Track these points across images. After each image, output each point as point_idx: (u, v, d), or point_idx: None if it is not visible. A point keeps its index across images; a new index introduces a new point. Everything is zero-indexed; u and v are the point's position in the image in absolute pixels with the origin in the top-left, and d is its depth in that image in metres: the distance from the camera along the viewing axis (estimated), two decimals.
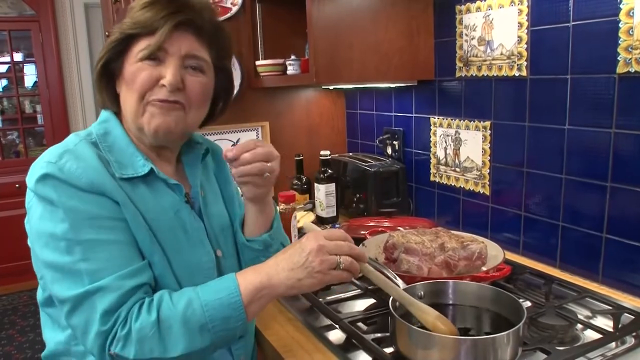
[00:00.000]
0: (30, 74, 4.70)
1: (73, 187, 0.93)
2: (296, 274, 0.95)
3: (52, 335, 1.07)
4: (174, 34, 1.01)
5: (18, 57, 4.64)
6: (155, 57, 1.01)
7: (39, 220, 0.94)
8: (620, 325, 1.20)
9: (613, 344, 1.14)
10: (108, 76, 1.07)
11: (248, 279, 0.96)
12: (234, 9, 2.24)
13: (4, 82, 4.68)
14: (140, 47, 1.01)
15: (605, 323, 1.24)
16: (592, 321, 1.25)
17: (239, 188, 1.20)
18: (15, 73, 4.59)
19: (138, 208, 1.00)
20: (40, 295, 1.07)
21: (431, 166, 2.03)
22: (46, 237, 0.93)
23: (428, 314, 1.06)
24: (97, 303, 0.89)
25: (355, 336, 1.18)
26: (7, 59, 4.57)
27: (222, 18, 2.23)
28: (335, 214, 2.13)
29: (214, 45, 1.09)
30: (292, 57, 2.04)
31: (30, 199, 0.98)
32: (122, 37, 1.02)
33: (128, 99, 1.03)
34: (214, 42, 1.09)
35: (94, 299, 0.89)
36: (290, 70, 2.05)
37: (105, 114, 1.10)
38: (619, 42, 1.32)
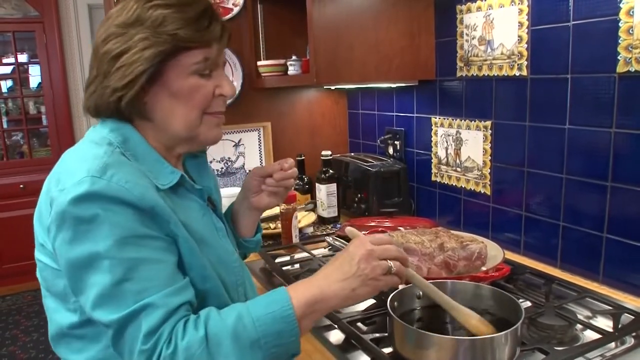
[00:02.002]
0: (34, 75, 4.69)
1: (122, 202, 0.86)
2: (349, 284, 0.92)
3: (85, 357, 0.99)
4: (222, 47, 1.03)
5: (23, 58, 4.64)
6: (208, 69, 1.00)
7: (71, 244, 0.86)
8: (620, 326, 1.20)
9: (612, 344, 1.14)
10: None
11: (300, 292, 0.91)
12: (236, 10, 2.25)
13: (9, 83, 4.69)
14: (195, 60, 0.97)
15: (605, 323, 1.24)
16: (592, 321, 1.25)
17: (252, 200, 1.25)
18: (19, 74, 4.60)
19: (182, 221, 0.95)
20: (67, 320, 0.97)
21: (432, 166, 2.03)
22: (85, 258, 0.85)
23: (471, 316, 1.06)
24: (143, 322, 0.84)
25: (353, 336, 1.18)
26: (12, 60, 4.58)
27: (223, 19, 2.23)
28: (336, 214, 2.14)
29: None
30: (294, 57, 2.04)
31: (57, 219, 0.86)
32: (173, 48, 0.95)
33: (181, 112, 0.99)
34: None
35: (139, 319, 0.84)
36: (292, 70, 2.05)
37: (111, 122, 1.01)
38: (619, 41, 1.31)
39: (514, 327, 0.98)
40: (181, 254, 0.94)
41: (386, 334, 1.12)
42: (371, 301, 1.38)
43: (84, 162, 0.90)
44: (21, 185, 4.19)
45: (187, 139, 1.04)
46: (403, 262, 0.97)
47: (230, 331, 0.85)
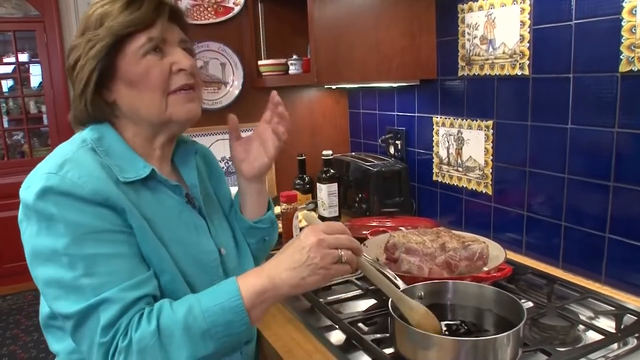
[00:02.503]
0: (35, 75, 4.70)
1: (76, 198, 0.90)
2: (299, 273, 0.93)
3: (62, 347, 1.05)
4: (167, 24, 1.03)
5: (24, 57, 4.65)
6: (157, 49, 1.01)
7: (36, 237, 0.90)
8: (622, 326, 1.20)
9: (615, 345, 1.13)
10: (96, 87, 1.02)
11: (249, 282, 0.93)
12: (236, 9, 2.25)
13: (10, 82, 4.69)
14: (140, 43, 0.99)
15: (608, 324, 1.23)
16: (594, 322, 1.24)
17: (242, 169, 1.21)
18: (20, 73, 4.60)
19: (143, 214, 0.98)
20: (44, 310, 1.04)
21: (434, 166, 2.03)
22: (46, 253, 0.89)
23: (415, 311, 1.06)
24: (101, 316, 0.87)
25: (354, 337, 1.17)
26: (13, 59, 4.58)
27: (224, 18, 2.24)
28: (337, 214, 2.13)
29: (186, 28, 1.12)
30: (294, 56, 2.04)
31: (25, 215, 0.92)
32: (114, 40, 0.98)
33: (144, 99, 1.02)
34: (186, 25, 1.12)
35: (97, 312, 0.87)
36: (292, 70, 2.05)
37: (92, 124, 1.06)
38: (622, 40, 1.30)
39: (516, 328, 0.97)
40: (136, 244, 0.96)
41: (387, 335, 1.12)
42: (372, 301, 1.38)
43: (49, 159, 0.96)
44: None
45: (162, 124, 1.05)
46: (355, 252, 0.97)
47: (181, 323, 0.88)
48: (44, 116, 4.72)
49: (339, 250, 0.94)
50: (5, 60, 4.62)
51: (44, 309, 1.05)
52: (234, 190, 1.30)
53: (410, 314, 1.05)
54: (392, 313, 1.05)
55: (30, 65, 4.70)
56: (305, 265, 0.93)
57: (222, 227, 1.21)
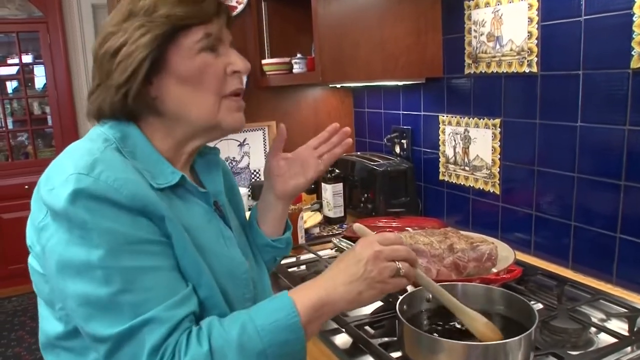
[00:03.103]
0: (40, 76, 4.68)
1: (111, 203, 0.80)
2: (356, 287, 0.87)
3: None
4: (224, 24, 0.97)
5: (28, 58, 4.64)
6: (213, 47, 0.94)
7: (66, 246, 0.80)
8: (635, 329, 1.17)
9: (629, 349, 1.10)
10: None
11: (305, 297, 0.86)
12: (240, 7, 2.23)
13: (14, 83, 4.68)
14: (197, 37, 0.92)
15: (620, 326, 1.21)
16: (606, 324, 1.22)
17: (276, 185, 1.16)
18: (24, 75, 4.60)
19: (181, 222, 0.89)
20: (54, 329, 0.91)
21: (440, 165, 2.00)
22: (78, 266, 0.79)
23: (477, 321, 1.02)
24: (146, 338, 0.78)
25: (361, 341, 1.15)
26: (17, 60, 4.57)
27: None
28: (343, 214, 2.11)
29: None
30: (299, 55, 2.01)
31: (53, 220, 0.82)
32: (171, 29, 0.90)
33: (197, 98, 0.94)
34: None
35: (142, 335, 0.78)
36: (297, 68, 2.03)
37: (111, 120, 0.95)
38: (633, 36, 1.27)
39: (528, 332, 0.95)
40: (176, 257, 0.88)
41: (395, 338, 1.09)
42: (379, 304, 1.35)
43: (73, 158, 0.85)
44: (26, 186, 4.17)
45: (208, 129, 0.97)
46: (412, 263, 0.92)
47: (235, 344, 0.80)
48: (48, 117, 4.71)
49: (397, 263, 0.89)
50: (10, 61, 4.61)
51: (49, 328, 0.93)
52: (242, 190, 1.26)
53: (473, 325, 1.02)
54: (400, 316, 1.03)
55: (35, 66, 4.68)
56: (363, 279, 0.87)
57: (241, 238, 1.13)
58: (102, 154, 0.85)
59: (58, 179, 0.82)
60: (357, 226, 1.02)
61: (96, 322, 0.79)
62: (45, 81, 4.62)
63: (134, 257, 0.80)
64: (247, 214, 1.26)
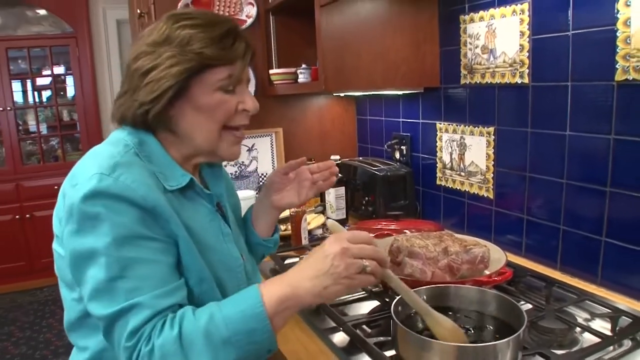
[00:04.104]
0: (71, 85, 4.72)
1: (126, 201, 0.85)
2: (322, 282, 0.85)
3: (92, 344, 0.97)
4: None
5: (60, 70, 4.69)
6: (233, 86, 0.99)
7: (78, 236, 0.85)
8: (617, 329, 1.14)
9: (611, 348, 1.07)
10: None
11: (272, 290, 0.86)
12: (249, 21, 2.21)
13: (48, 93, 4.73)
14: (220, 77, 0.96)
15: (603, 326, 1.18)
16: (590, 324, 1.19)
17: (273, 198, 1.22)
18: (55, 85, 4.64)
19: (185, 223, 0.93)
20: (74, 310, 0.97)
21: (437, 170, 1.97)
22: (87, 253, 0.84)
23: (442, 326, 0.99)
24: (130, 321, 0.82)
25: (357, 339, 1.13)
26: (50, 72, 4.63)
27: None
28: (345, 216, 2.09)
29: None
30: (303, 65, 2.00)
31: (69, 213, 0.86)
32: (200, 67, 0.95)
33: (203, 126, 0.99)
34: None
35: (128, 317, 0.82)
36: (302, 78, 2.01)
37: (130, 127, 1.00)
38: (617, 50, 1.25)
39: (517, 334, 0.92)
40: (180, 255, 0.92)
41: (390, 338, 1.07)
42: (376, 303, 1.33)
43: (97, 160, 0.90)
44: (55, 187, 4.18)
45: (208, 153, 1.03)
46: (380, 262, 0.89)
47: (203, 330, 0.82)
48: (77, 123, 4.74)
49: (364, 260, 0.87)
50: (44, 72, 4.66)
51: (71, 308, 0.98)
52: (240, 193, 1.28)
53: (437, 328, 0.99)
54: (394, 318, 1.00)
55: (66, 77, 4.72)
56: (329, 274, 0.85)
57: (238, 234, 1.18)
58: (123, 157, 0.91)
59: (82, 177, 0.87)
60: (330, 222, 1.00)
61: (97, 302, 0.84)
62: (74, 91, 4.66)
63: (135, 249, 0.85)
64: None
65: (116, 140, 0.97)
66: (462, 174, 1.84)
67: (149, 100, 0.94)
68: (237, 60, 0.97)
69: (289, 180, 1.22)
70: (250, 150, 2.32)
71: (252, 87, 2.24)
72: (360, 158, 2.32)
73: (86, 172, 0.87)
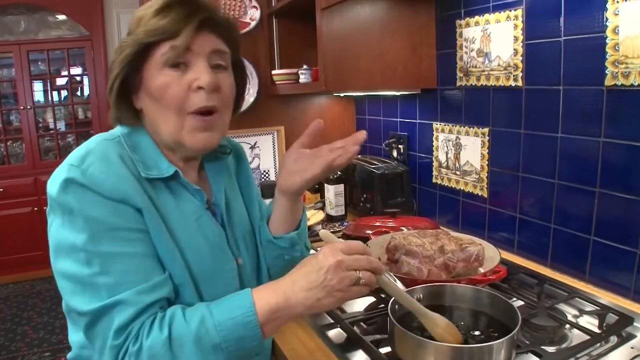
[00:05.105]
0: (87, 85, 4.73)
1: (95, 193, 0.79)
2: (315, 294, 0.80)
3: (77, 339, 0.95)
4: (196, 33, 0.86)
5: (78, 71, 4.69)
6: (181, 62, 0.86)
7: (59, 229, 0.80)
8: (604, 325, 1.12)
9: (599, 344, 1.05)
10: (124, 93, 0.90)
11: (264, 299, 0.81)
12: (253, 24, 2.18)
13: (65, 92, 4.73)
14: (163, 51, 0.85)
15: (590, 322, 1.16)
16: (579, 320, 1.17)
17: (280, 178, 1.03)
18: (71, 85, 4.64)
19: (161, 213, 0.86)
20: (64, 302, 0.93)
21: (433, 169, 1.94)
22: (66, 247, 0.79)
23: (438, 325, 0.95)
24: (115, 318, 0.77)
25: (354, 336, 1.10)
26: (67, 72, 4.64)
27: (241, 32, 2.17)
28: (343, 213, 2.05)
29: (231, 39, 0.94)
30: (304, 66, 1.97)
31: (50, 207, 0.83)
32: (139, 47, 0.85)
33: (161, 115, 0.88)
34: (230, 36, 0.94)
35: (112, 314, 0.77)
36: (303, 79, 1.98)
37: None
38: (606, 56, 1.21)
39: (511, 334, 0.89)
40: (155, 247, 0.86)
41: (387, 335, 1.04)
42: (372, 299, 1.30)
43: (74, 152, 0.85)
44: None
45: (176, 145, 0.91)
46: (374, 272, 0.83)
47: (193, 334, 0.77)
48: (91, 121, 4.73)
49: (358, 272, 0.81)
50: (63, 73, 4.66)
51: (65, 295, 0.93)
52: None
53: (433, 328, 0.94)
54: (391, 317, 0.97)
55: (84, 77, 4.72)
56: (322, 287, 0.80)
57: (244, 236, 1.05)
58: (97, 146, 0.85)
59: (58, 169, 0.82)
60: (323, 232, 0.94)
61: (78, 298, 0.79)
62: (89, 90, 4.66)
63: (112, 243, 0.80)
64: None
65: (109, 131, 0.92)
66: (458, 172, 1.81)
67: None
68: (180, 31, 0.84)
69: (300, 155, 1.02)
70: (252, 147, 2.29)
71: (254, 87, 2.21)
72: (359, 156, 2.27)
73: (62, 164, 0.83)
